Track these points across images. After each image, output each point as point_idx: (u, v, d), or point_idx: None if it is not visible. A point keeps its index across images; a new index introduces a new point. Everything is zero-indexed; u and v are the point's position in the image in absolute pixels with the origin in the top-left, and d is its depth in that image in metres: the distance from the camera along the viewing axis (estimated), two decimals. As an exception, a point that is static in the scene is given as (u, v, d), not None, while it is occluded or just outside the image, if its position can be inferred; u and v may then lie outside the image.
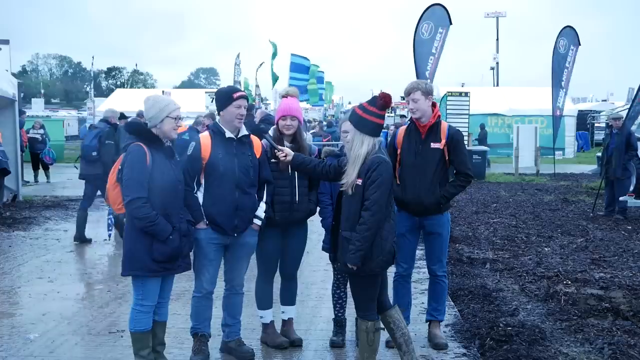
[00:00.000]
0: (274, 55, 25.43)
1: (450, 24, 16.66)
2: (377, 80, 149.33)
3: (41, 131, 18.29)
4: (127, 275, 4.38)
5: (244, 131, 4.78)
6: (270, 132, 5.07)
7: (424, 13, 16.44)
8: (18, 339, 5.32)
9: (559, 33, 20.15)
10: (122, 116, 11.17)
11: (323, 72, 34.57)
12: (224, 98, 4.73)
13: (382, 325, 4.48)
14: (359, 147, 4.25)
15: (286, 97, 5.06)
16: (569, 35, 20.19)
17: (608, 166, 12.23)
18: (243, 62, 30.21)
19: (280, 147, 4.77)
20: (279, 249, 5.08)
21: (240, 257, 4.86)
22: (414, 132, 5.15)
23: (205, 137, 4.73)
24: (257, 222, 4.80)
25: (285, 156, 4.71)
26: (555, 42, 20.06)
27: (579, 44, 20.26)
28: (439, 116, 5.17)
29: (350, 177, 4.24)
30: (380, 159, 4.22)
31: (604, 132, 14.53)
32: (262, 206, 4.83)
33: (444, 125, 5.17)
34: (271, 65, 25.47)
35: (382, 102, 4.29)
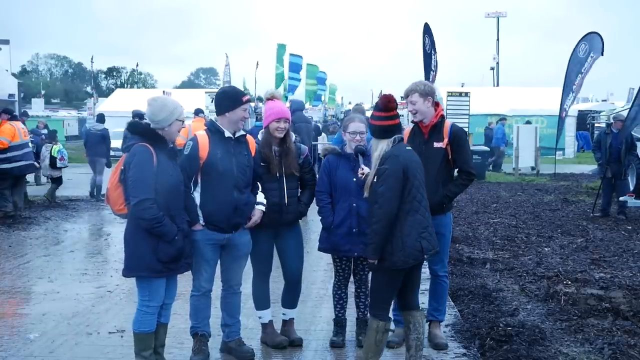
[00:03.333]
0: (286, 60, 25.27)
1: (435, 52, 17.12)
2: (378, 81, 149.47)
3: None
4: (131, 277, 4.38)
5: (241, 131, 4.80)
6: (260, 136, 5.07)
7: (424, 28, 16.71)
8: (18, 339, 5.32)
9: (583, 37, 19.58)
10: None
11: (325, 72, 34.52)
12: (233, 100, 4.74)
13: (392, 327, 4.52)
14: (375, 150, 4.43)
15: (272, 100, 5.05)
16: (592, 42, 19.40)
17: (611, 166, 12.23)
18: (245, 62, 30.34)
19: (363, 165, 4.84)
20: (271, 250, 5.11)
21: (237, 257, 4.86)
22: (418, 133, 5.17)
23: (202, 136, 4.72)
24: (261, 207, 4.84)
25: (363, 174, 4.76)
26: (577, 45, 19.58)
27: (602, 54, 19.31)
28: (443, 115, 5.16)
29: (370, 178, 4.38)
30: (388, 154, 4.30)
31: (600, 131, 14.45)
32: (261, 195, 4.88)
33: (447, 124, 5.16)
34: (276, 67, 25.38)
35: (380, 102, 4.47)
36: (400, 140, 4.44)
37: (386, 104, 4.41)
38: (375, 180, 4.32)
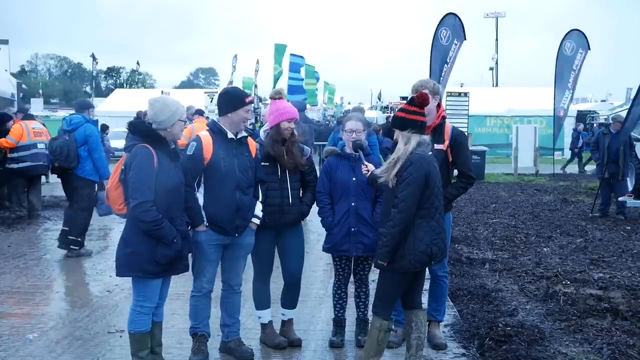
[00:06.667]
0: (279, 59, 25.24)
1: (465, 39, 16.66)
2: (378, 81, 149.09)
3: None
4: (126, 277, 4.38)
5: (242, 132, 4.81)
6: (262, 133, 5.08)
7: (443, 19, 16.44)
8: (18, 339, 5.33)
9: (565, 36, 20.05)
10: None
11: (317, 72, 34.56)
12: (237, 101, 4.75)
13: (393, 327, 4.52)
14: (400, 143, 4.37)
15: (280, 99, 5.06)
16: (577, 39, 20.00)
17: (608, 166, 12.23)
18: (247, 62, 30.32)
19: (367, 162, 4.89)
20: (273, 250, 5.12)
21: (238, 257, 4.87)
22: None
23: (205, 136, 4.72)
24: (256, 220, 4.83)
25: (368, 171, 4.81)
26: (561, 45, 19.98)
27: (589, 48, 20.05)
28: (444, 117, 5.17)
29: (392, 170, 4.31)
30: (413, 159, 4.27)
31: (599, 132, 14.44)
32: (259, 205, 4.86)
33: (448, 127, 5.17)
34: (274, 67, 25.39)
35: (417, 98, 4.40)
36: (424, 144, 4.40)
37: (423, 102, 4.40)
38: (395, 180, 4.30)
